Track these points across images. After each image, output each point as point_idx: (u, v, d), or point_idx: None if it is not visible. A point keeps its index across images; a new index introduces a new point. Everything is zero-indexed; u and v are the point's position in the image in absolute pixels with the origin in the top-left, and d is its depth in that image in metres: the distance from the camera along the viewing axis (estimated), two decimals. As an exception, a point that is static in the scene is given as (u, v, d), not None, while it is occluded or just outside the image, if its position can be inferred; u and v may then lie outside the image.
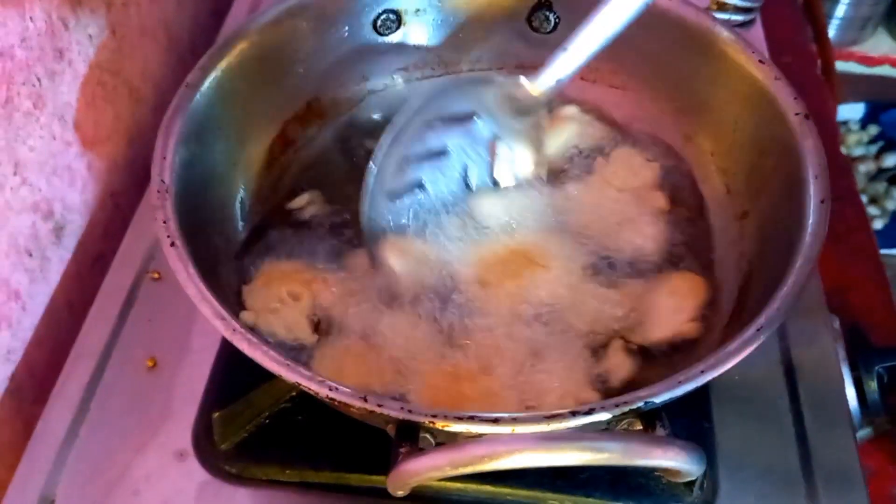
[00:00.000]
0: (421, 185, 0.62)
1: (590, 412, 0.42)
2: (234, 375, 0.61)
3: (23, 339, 0.65)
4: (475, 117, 0.63)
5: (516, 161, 0.65)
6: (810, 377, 0.63)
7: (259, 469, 0.58)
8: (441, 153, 0.63)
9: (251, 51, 0.63)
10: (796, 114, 0.56)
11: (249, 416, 0.59)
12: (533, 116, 0.64)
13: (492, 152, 0.64)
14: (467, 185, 0.64)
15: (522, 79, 0.62)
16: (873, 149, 1.86)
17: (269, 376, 0.58)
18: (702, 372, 0.44)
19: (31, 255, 0.65)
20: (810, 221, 0.51)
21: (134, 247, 0.70)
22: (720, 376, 0.61)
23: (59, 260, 0.69)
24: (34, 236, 0.66)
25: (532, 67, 0.73)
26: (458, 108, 0.62)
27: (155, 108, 0.82)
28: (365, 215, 0.60)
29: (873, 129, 1.87)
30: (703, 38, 0.63)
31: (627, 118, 0.71)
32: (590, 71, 0.72)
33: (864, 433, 0.67)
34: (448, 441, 0.43)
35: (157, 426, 0.60)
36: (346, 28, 0.69)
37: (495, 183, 0.65)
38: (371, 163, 0.59)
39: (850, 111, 1.88)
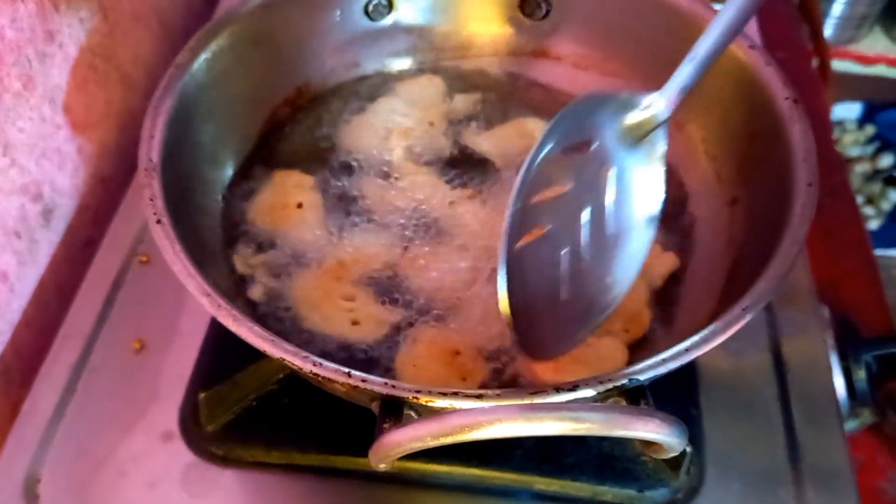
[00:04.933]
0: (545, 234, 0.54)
1: (574, 388, 0.42)
2: (221, 358, 0.61)
3: (10, 321, 0.65)
4: (592, 144, 0.55)
5: (633, 193, 0.57)
6: (799, 366, 0.63)
7: (245, 451, 0.58)
8: (561, 191, 0.54)
9: (242, 33, 0.63)
10: (786, 98, 0.57)
11: (236, 398, 0.59)
12: (651, 142, 0.56)
13: (607, 184, 0.56)
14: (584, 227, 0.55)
15: (645, 95, 0.55)
16: (869, 149, 1.86)
17: (255, 358, 0.59)
18: (686, 350, 0.44)
19: (19, 237, 0.65)
20: (798, 204, 0.51)
21: (123, 230, 0.70)
22: (709, 363, 0.62)
23: (47, 242, 0.69)
24: (23, 218, 0.65)
25: (523, 54, 0.74)
26: (575, 137, 0.55)
27: (146, 94, 0.82)
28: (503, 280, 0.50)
29: (870, 130, 1.87)
30: (696, 24, 0.63)
31: (619, 106, 0.70)
32: (582, 58, 0.72)
33: (851, 425, 0.67)
34: (432, 417, 0.43)
35: (144, 408, 0.60)
36: (338, 12, 0.69)
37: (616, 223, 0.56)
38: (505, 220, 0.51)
39: (847, 111, 1.88)
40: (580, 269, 0.54)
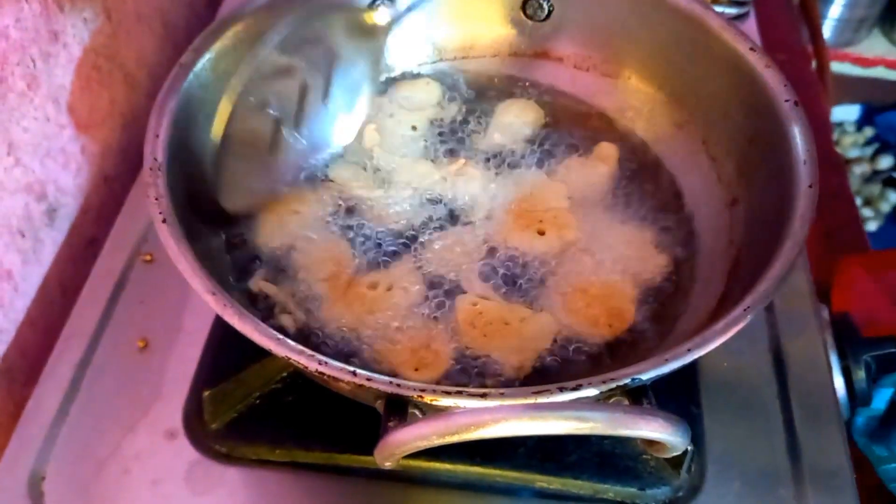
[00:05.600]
0: (267, 105, 0.64)
1: (577, 388, 0.42)
2: (225, 356, 0.62)
3: (14, 321, 0.66)
4: (321, 39, 0.66)
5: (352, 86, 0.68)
6: (799, 365, 0.63)
7: (249, 449, 0.58)
8: (287, 72, 0.65)
9: (245, 33, 0.63)
10: (786, 100, 0.57)
11: (240, 396, 0.59)
12: (375, 41, 0.68)
13: (330, 75, 0.67)
14: (303, 107, 0.66)
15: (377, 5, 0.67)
16: (868, 151, 1.87)
17: (259, 357, 0.59)
18: (688, 350, 0.44)
19: (23, 236, 0.65)
20: (798, 205, 0.51)
21: (126, 230, 0.71)
22: (710, 363, 0.62)
23: (51, 242, 0.69)
24: (27, 217, 0.66)
25: (525, 55, 0.74)
26: (307, 32, 0.65)
27: (149, 94, 0.82)
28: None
29: (869, 132, 1.87)
30: (696, 25, 0.63)
31: (619, 108, 0.71)
32: (582, 59, 0.72)
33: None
34: (436, 416, 0.43)
35: (148, 406, 0.60)
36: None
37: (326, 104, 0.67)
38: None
39: (846, 113, 1.89)
40: (286, 140, 0.65)
